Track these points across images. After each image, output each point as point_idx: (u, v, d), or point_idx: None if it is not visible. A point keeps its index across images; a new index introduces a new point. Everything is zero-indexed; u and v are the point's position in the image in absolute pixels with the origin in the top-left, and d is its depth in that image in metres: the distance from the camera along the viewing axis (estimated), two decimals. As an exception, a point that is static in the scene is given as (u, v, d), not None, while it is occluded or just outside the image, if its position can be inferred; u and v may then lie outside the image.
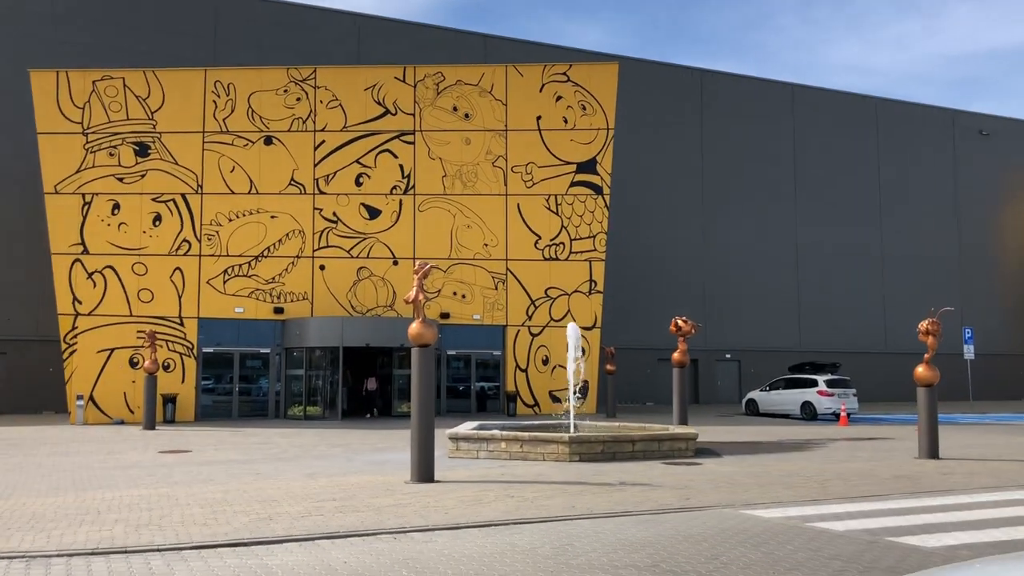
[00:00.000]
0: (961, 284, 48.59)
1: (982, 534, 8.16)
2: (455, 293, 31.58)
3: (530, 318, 32.14)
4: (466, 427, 16.74)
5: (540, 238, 32.28)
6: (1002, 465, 14.38)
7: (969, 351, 38.27)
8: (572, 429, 16.47)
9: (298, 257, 30.36)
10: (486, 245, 31.87)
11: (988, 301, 49.43)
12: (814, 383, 30.89)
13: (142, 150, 29.86)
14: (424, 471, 12.11)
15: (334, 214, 30.79)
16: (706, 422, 27.77)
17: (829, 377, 30.86)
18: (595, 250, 32.84)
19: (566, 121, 33.01)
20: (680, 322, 20.04)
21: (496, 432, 15.49)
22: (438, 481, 12.05)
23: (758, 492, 10.93)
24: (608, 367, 31.27)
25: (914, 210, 48.04)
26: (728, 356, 43.44)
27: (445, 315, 31.03)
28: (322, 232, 30.64)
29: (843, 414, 27.88)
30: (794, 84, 46.53)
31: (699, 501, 10.14)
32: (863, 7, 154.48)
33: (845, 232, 46.07)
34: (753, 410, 33.22)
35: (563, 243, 32.56)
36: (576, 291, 32.59)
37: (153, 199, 29.72)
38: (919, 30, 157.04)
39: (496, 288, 31.90)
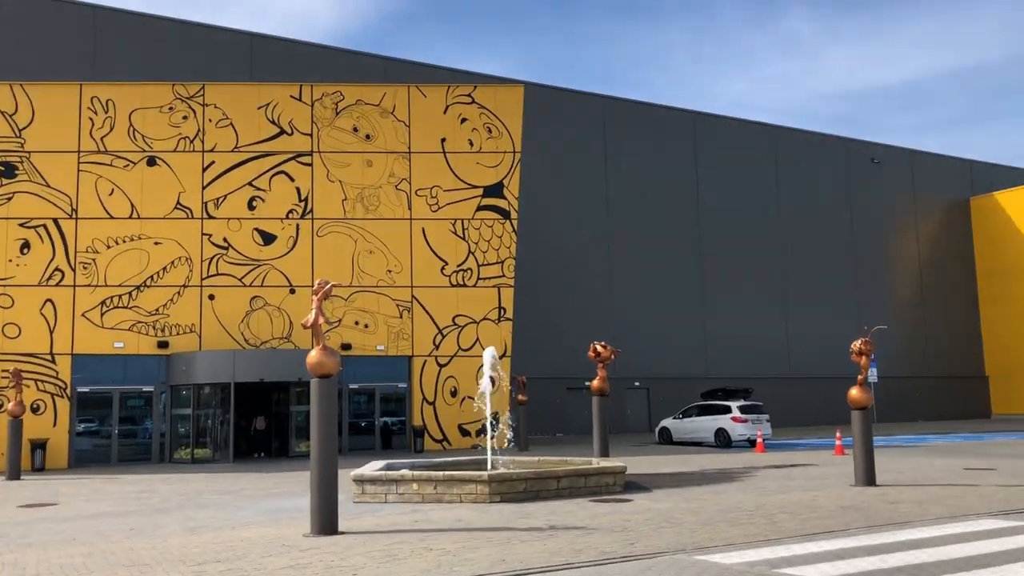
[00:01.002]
0: (859, 309, 49.45)
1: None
2: (357, 323, 29.86)
3: (437, 348, 30.66)
4: (372, 467, 15.16)
5: (447, 264, 30.93)
6: (941, 491, 13.70)
7: (873, 374, 38.62)
8: (490, 466, 15.08)
9: (185, 286, 28.13)
10: (390, 271, 30.32)
11: (884, 323, 50.48)
12: (727, 409, 30.34)
13: (8, 171, 27.24)
14: (326, 521, 10.53)
15: (225, 240, 28.72)
16: (623, 452, 26.74)
17: (742, 403, 30.37)
18: (504, 276, 31.67)
19: (472, 144, 31.90)
20: (599, 347, 18.99)
21: (406, 472, 13.98)
22: (343, 532, 10.48)
23: (705, 533, 9.78)
24: (520, 397, 30.04)
25: (813, 236, 48.79)
26: (638, 384, 42.80)
27: (347, 346, 29.25)
28: (211, 259, 28.52)
29: (759, 440, 27.31)
30: (696, 112, 46.78)
31: (645, 547, 8.90)
32: (747, 47, 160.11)
33: (748, 258, 46.32)
34: (666, 438, 32.47)
35: (471, 269, 31.29)
36: (485, 319, 31.30)
37: (21, 224, 27.08)
38: (799, 69, 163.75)
39: (401, 317, 30.34)
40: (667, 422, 33.06)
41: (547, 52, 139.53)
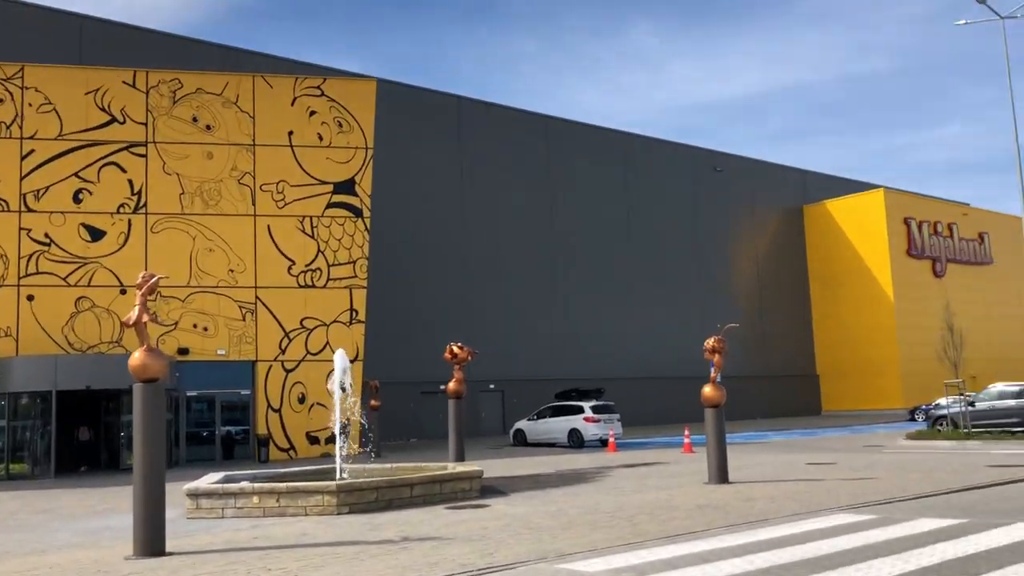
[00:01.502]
0: (703, 310, 51.12)
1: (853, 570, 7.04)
2: (195, 325, 28.05)
3: (284, 352, 29.23)
4: (208, 480, 13.97)
5: (294, 263, 29.56)
6: (791, 487, 13.89)
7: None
8: (339, 475, 14.20)
9: (-1, 286, 25.59)
10: (232, 271, 28.66)
11: (738, 324, 52.40)
12: (580, 410, 30.45)
13: None
14: (151, 541, 9.43)
15: (46, 235, 26.33)
16: (479, 456, 26.25)
17: (595, 403, 30.57)
18: (356, 276, 30.59)
19: (321, 138, 30.68)
20: (456, 348, 18.42)
21: (246, 484, 12.91)
22: (171, 553, 9.41)
23: (566, 538, 9.34)
24: (372, 402, 29.07)
25: (661, 239, 50.10)
26: (492, 386, 42.52)
27: (184, 351, 27.44)
28: (31, 256, 26.08)
29: (611, 440, 27.48)
30: (548, 116, 47.08)
31: (505, 556, 8.36)
32: (594, 58, 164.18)
33: (600, 260, 47.03)
34: (521, 440, 32.27)
35: (320, 269, 30.04)
36: (336, 321, 30.11)
37: None
38: (645, 81, 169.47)
39: (244, 319, 28.73)
40: (522, 424, 32.88)
41: (399, 56, 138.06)
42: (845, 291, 55.96)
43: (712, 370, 15.03)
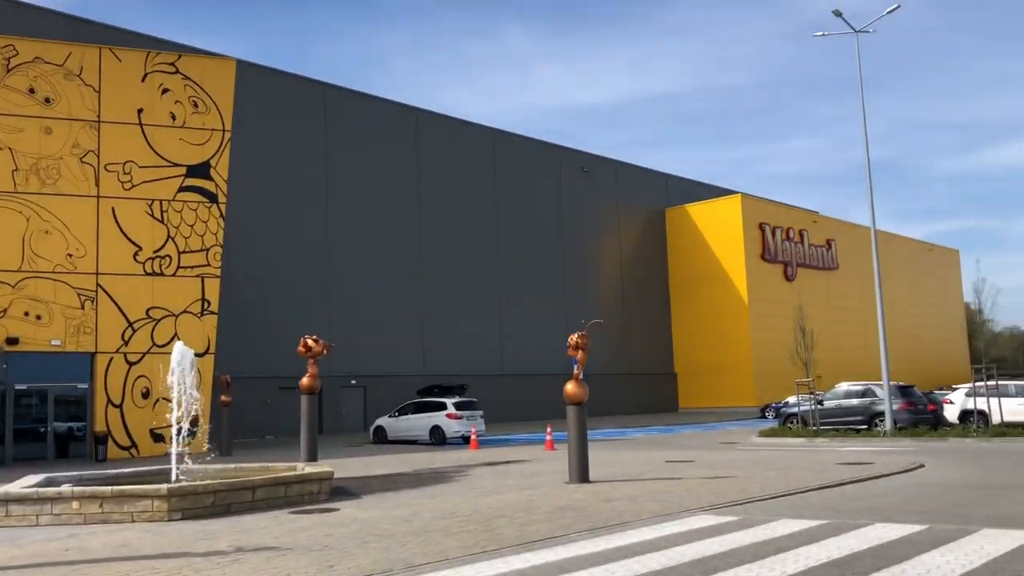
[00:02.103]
0: (567, 309, 51.49)
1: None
2: (27, 313, 25.79)
3: (127, 343, 27.30)
4: (24, 483, 12.55)
5: (141, 249, 27.65)
6: (651, 486, 13.72)
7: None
8: (174, 477, 13.04)
9: None
10: (70, 255, 26.52)
11: (602, 320, 52.95)
12: (442, 406, 29.89)
13: None
14: (-62, 558, 8.18)
15: None
16: (336, 454, 25.26)
17: (457, 400, 30.07)
18: (209, 265, 28.95)
19: (174, 118, 28.86)
20: (310, 341, 17.43)
21: (65, 488, 11.62)
22: (-39, 571, 8.19)
23: (416, 546, 8.70)
24: (223, 398, 27.49)
25: (528, 238, 50.09)
26: (354, 382, 41.36)
27: (13, 340, 25.19)
28: None
29: (473, 437, 27.01)
30: (419, 109, 46.20)
31: (346, 569, 7.63)
32: (467, 58, 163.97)
33: (466, 257, 46.54)
34: (381, 437, 31.40)
35: (170, 256, 28.24)
36: (185, 312, 28.40)
37: None
38: (515, 83, 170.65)
39: (83, 308, 26.64)
40: (382, 420, 32.01)
41: (272, 45, 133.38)
42: (703, 292, 57.64)
43: (576, 367, 14.68)
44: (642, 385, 56.20)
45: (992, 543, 7.93)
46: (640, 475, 15.59)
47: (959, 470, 15.72)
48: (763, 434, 28.66)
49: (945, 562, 7.15)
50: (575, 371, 14.64)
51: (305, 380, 17.30)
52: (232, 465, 15.20)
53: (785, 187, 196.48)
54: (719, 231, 57.58)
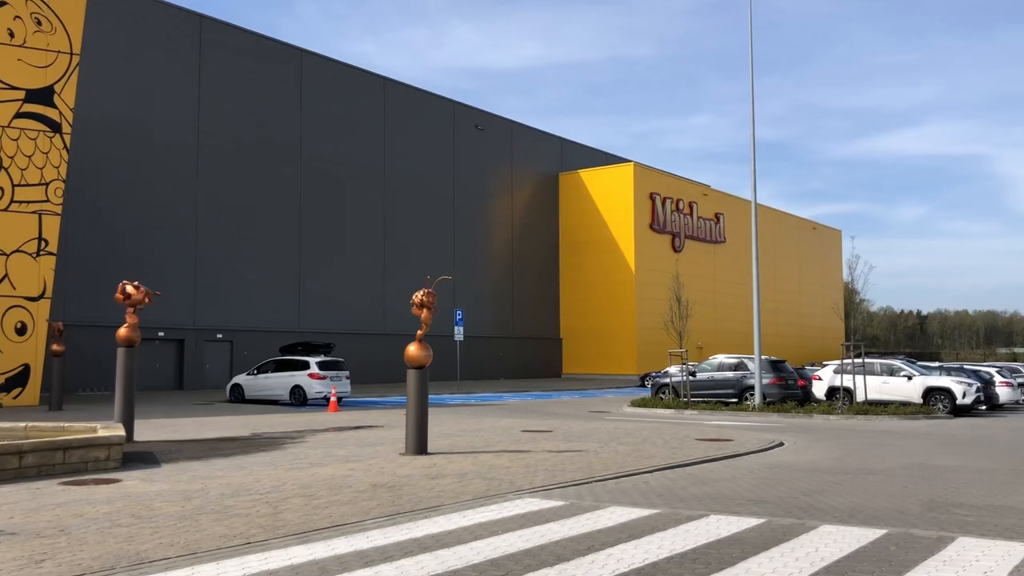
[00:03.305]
0: (454, 267, 50.17)
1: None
2: None
3: (-55, 283, 24.56)
4: None
5: (-36, 179, 24.83)
6: (492, 460, 12.58)
7: (459, 332, 38.89)
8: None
9: None
10: None
11: (477, 285, 51.84)
12: (306, 365, 28.22)
13: None
14: None
15: None
16: (180, 412, 23.41)
17: (321, 359, 28.43)
18: (48, 201, 26.33)
19: (12, 35, 25.93)
20: (130, 288, 15.56)
21: None
22: None
23: (173, 533, 7.25)
24: (55, 347, 25.08)
25: (416, 194, 48.30)
26: (220, 336, 39.09)
27: None
28: None
29: (333, 399, 25.50)
30: (301, 49, 43.52)
31: (58, 563, 6.12)
32: (377, 10, 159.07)
33: (349, 208, 44.50)
34: (239, 396, 29.52)
35: (2, 188, 25.50)
36: (18, 251, 25.78)
37: None
38: (426, 40, 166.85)
39: None
40: (240, 378, 30.09)
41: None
42: (592, 259, 57.18)
43: (421, 327, 13.35)
44: (527, 349, 55.53)
45: (829, 544, 7.02)
46: (487, 446, 14.46)
47: (817, 450, 15.18)
48: (635, 404, 28.12)
49: (772, 570, 6.16)
50: (419, 331, 13.30)
51: (122, 330, 15.46)
52: (23, 424, 13.31)
53: (685, 162, 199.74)
54: (610, 199, 57.05)
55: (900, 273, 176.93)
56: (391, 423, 19.79)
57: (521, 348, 54.85)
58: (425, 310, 13.21)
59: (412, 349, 13.21)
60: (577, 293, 57.89)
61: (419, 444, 13.14)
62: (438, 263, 48.90)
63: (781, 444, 15.88)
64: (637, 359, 53.82)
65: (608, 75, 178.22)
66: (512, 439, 15.95)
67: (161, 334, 36.94)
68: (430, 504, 8.79)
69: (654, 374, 42.34)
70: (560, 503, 8.99)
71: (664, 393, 29.39)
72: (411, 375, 13.31)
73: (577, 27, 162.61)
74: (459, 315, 39.22)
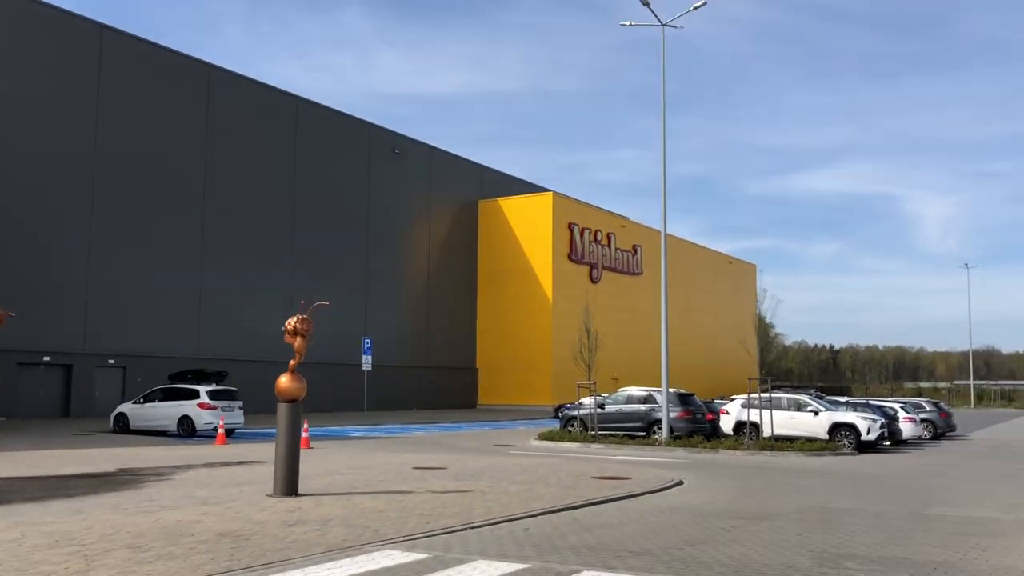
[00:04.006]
0: (369, 296, 48.89)
1: None
2: None
3: None
4: None
5: None
6: (366, 503, 11.57)
7: (367, 362, 37.68)
8: None
9: None
10: None
11: (391, 313, 50.60)
12: (195, 394, 26.62)
13: None
14: None
15: None
16: (51, 444, 21.67)
17: (213, 388, 26.88)
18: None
19: None
20: (-25, 309, 14.09)
21: None
22: None
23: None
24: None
25: (328, 217, 46.96)
26: (112, 362, 36.95)
27: None
28: None
29: (221, 431, 24.01)
30: (211, 64, 41.99)
31: None
32: (303, 33, 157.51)
33: (256, 229, 42.88)
34: (124, 426, 27.69)
35: None
36: None
37: None
38: (352, 65, 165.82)
39: None
40: (126, 407, 28.29)
41: (94, 5, 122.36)
42: (510, 288, 56.56)
43: (295, 357, 12.30)
44: (442, 379, 54.38)
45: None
46: (368, 486, 13.42)
47: (715, 490, 14.57)
48: (541, 437, 27.35)
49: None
50: (292, 361, 12.24)
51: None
52: None
53: (610, 195, 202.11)
54: (529, 227, 56.66)
55: (815, 308, 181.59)
56: (271, 459, 18.52)
57: (436, 378, 53.70)
58: (299, 338, 12.19)
59: (283, 380, 12.15)
60: (494, 322, 57.12)
61: (288, 485, 12.04)
62: (351, 289, 47.59)
63: (680, 483, 15.23)
64: (553, 390, 53.17)
65: (536, 106, 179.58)
66: (399, 478, 14.94)
67: (47, 359, 34.79)
68: (273, 559, 7.76)
69: (567, 406, 41.71)
70: (422, 556, 8.06)
71: (572, 426, 28.68)
72: (282, 409, 12.23)
73: (505, 58, 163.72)
74: (367, 343, 38.08)
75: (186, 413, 26.34)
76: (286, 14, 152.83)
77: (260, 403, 34.27)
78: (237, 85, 42.89)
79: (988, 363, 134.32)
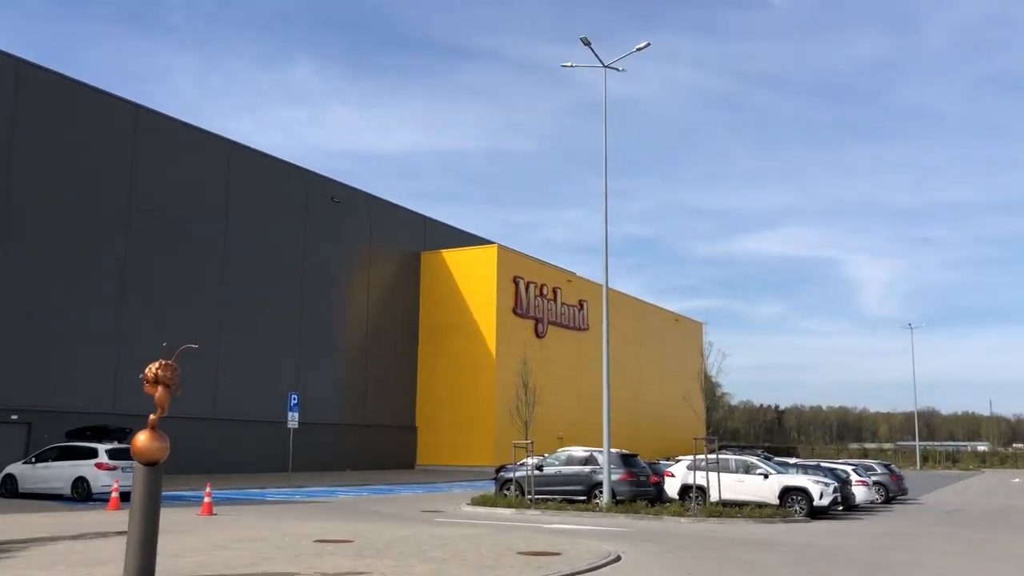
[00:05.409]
0: (299, 347, 46.53)
1: None
2: None
3: None
4: None
5: None
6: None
7: (293, 419, 35.24)
8: None
9: None
10: None
11: (322, 368, 48.22)
12: (93, 453, 24.14)
13: None
14: None
15: None
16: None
17: (113, 446, 24.41)
18: None
19: None
20: None
21: None
22: None
23: None
24: None
25: (260, 266, 44.67)
26: (14, 418, 33.94)
27: None
28: None
29: (114, 495, 21.57)
30: (138, 105, 39.86)
31: None
32: (257, 88, 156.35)
33: (181, 275, 40.38)
34: (11, 489, 25.03)
35: None
36: None
37: None
38: (304, 120, 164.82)
39: None
40: (14, 468, 25.66)
41: (38, 46, 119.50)
42: (452, 343, 54.56)
43: (156, 410, 10.30)
44: (379, 438, 51.78)
45: None
46: (246, 567, 11.35)
47: (655, 567, 12.75)
48: (474, 502, 25.27)
49: None
50: (152, 416, 10.24)
51: None
52: None
53: (559, 252, 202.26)
54: (473, 280, 54.96)
55: (760, 368, 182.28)
56: (165, 528, 16.23)
57: (372, 436, 51.13)
58: (161, 387, 10.21)
59: (140, 438, 10.11)
60: (435, 379, 54.93)
61: (141, 570, 9.92)
62: (282, 341, 45.23)
63: (617, 559, 13.38)
64: (496, 450, 50.85)
65: (486, 166, 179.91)
66: (291, 555, 12.85)
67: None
68: None
69: (507, 467, 39.61)
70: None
71: (509, 489, 26.65)
72: (140, 473, 10.16)
73: (457, 116, 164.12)
74: (294, 399, 35.65)
75: (82, 474, 23.85)
76: (237, 69, 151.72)
77: (180, 464, 31.69)
78: (165, 126, 40.79)
79: (929, 424, 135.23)
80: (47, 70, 36.46)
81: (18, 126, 34.66)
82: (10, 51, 35.30)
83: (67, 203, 36.02)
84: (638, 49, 24.77)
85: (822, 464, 29.71)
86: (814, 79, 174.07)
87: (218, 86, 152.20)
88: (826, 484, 23.77)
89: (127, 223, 38.31)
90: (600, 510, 23.05)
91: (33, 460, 25.36)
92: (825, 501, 23.33)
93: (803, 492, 23.50)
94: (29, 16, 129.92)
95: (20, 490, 24.81)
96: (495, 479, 41.36)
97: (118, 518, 18.61)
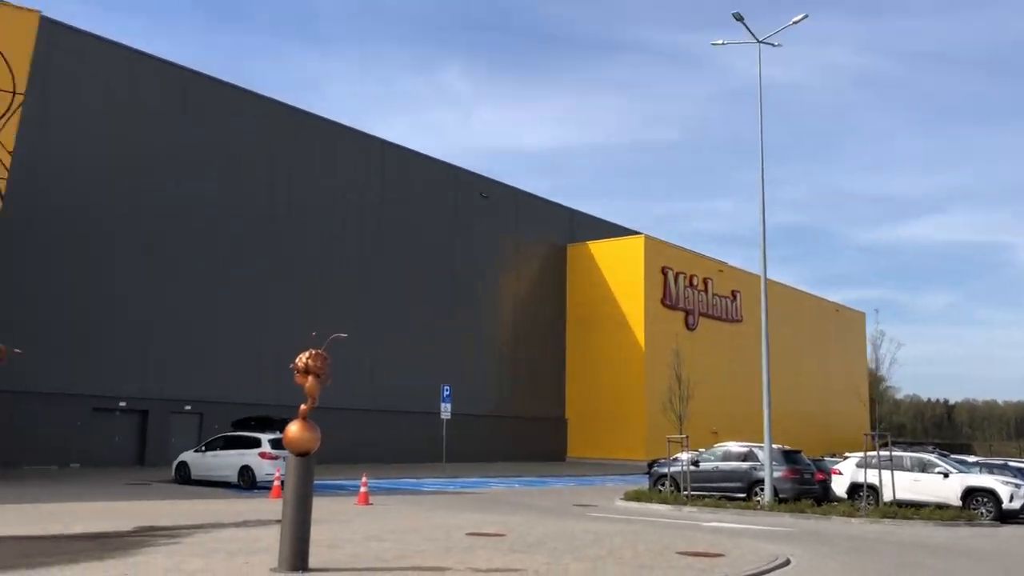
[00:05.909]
0: (452, 340, 47.03)
1: None
2: None
3: None
4: None
5: None
6: (385, 581, 9.30)
7: (446, 410, 35.58)
8: None
9: None
10: None
11: (476, 360, 48.60)
12: (257, 443, 25.00)
13: None
14: None
15: None
16: (94, 495, 20.22)
17: (276, 436, 25.20)
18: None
19: (-52, 70, 23.72)
20: (-24, 345, 12.63)
21: None
22: None
23: None
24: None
25: (412, 261, 45.41)
26: (188, 408, 35.91)
27: None
28: None
29: (276, 483, 22.22)
30: (286, 104, 41.02)
31: None
32: (405, 93, 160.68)
33: (338, 275, 41.61)
34: (185, 476, 26.28)
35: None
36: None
37: None
38: (453, 122, 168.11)
39: None
40: (187, 456, 26.91)
41: (203, 54, 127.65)
42: (600, 335, 53.86)
43: (307, 401, 10.26)
44: (530, 430, 51.76)
45: None
46: (398, 559, 11.19)
47: (830, 572, 11.73)
48: (628, 497, 24.59)
49: None
50: (303, 406, 10.21)
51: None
52: None
53: (709, 244, 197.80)
54: (620, 272, 54.03)
55: (926, 361, 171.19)
56: (321, 518, 16.48)
57: (523, 428, 51.16)
58: (311, 377, 10.16)
59: (292, 429, 10.13)
60: (584, 371, 54.40)
61: (295, 557, 9.92)
62: (435, 334, 45.87)
63: (787, 562, 12.42)
64: (647, 443, 49.85)
65: (631, 158, 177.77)
66: (443, 547, 12.64)
67: (122, 404, 33.93)
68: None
69: (660, 461, 38.63)
70: None
71: (663, 484, 25.81)
72: (291, 463, 10.17)
73: (601, 112, 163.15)
74: (446, 391, 35.98)
75: (247, 463, 24.71)
76: (388, 75, 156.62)
77: (344, 454, 32.61)
78: (317, 126, 42.06)
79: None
80: (211, 78, 38.30)
81: (184, 135, 36.52)
82: (175, 61, 37.28)
83: (225, 213, 37.65)
84: (794, 22, 23.33)
85: (1010, 463, 27.22)
86: (982, 55, 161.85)
87: (374, 93, 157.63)
88: (1016, 485, 21.66)
89: (280, 226, 39.72)
90: (762, 508, 21.89)
91: (203, 449, 26.56)
92: (1016, 504, 21.25)
93: (990, 493, 21.50)
94: (195, 30, 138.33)
95: (192, 477, 26.03)
96: (648, 474, 40.50)
97: (279, 506, 19.10)
